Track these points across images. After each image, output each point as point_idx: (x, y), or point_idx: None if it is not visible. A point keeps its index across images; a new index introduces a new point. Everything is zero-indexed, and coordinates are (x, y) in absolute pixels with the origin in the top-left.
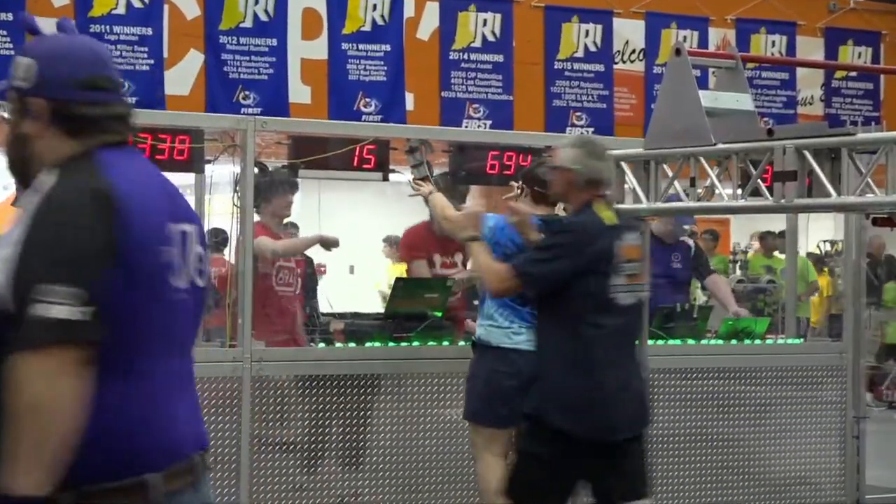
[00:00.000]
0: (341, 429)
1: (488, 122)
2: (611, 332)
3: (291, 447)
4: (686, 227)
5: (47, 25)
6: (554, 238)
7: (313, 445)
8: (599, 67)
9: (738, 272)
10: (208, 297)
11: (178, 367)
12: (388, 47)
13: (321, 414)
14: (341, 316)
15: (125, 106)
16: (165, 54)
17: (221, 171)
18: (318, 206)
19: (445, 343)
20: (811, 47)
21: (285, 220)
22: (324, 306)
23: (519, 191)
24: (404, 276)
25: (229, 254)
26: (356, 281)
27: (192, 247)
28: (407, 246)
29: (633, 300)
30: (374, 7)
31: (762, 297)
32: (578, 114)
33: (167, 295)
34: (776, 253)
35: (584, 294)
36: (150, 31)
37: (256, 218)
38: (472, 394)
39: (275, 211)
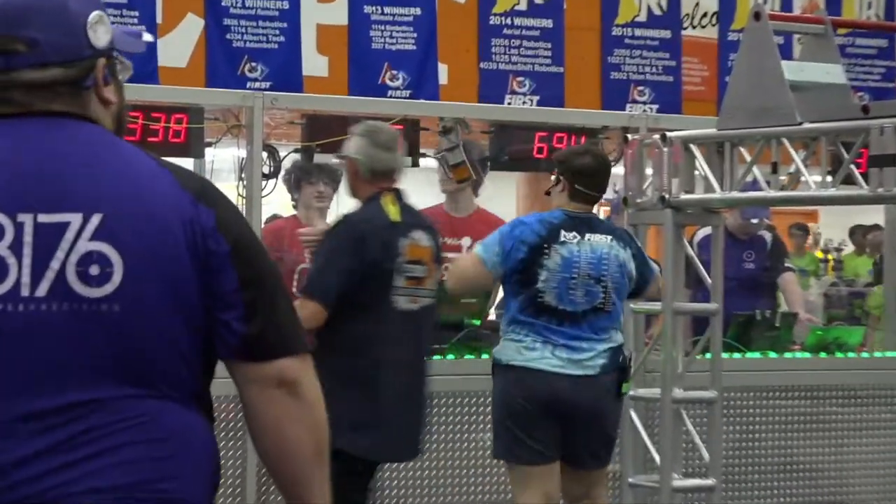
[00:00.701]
0: None
1: (535, 99)
2: (390, 342)
3: None
4: (755, 220)
5: None
6: (328, 240)
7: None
8: (665, 34)
9: (832, 273)
10: (128, 309)
11: (32, 408)
12: (417, 11)
13: None
14: None
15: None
16: (159, 19)
17: (224, 156)
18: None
19: (485, 356)
20: None
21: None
22: None
23: (556, 181)
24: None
25: None
26: None
27: (74, 244)
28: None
29: (415, 306)
30: None
31: (859, 302)
32: (640, 88)
33: None
34: (868, 250)
35: (360, 297)
36: None
37: (292, 212)
38: (494, 424)
39: (304, 202)
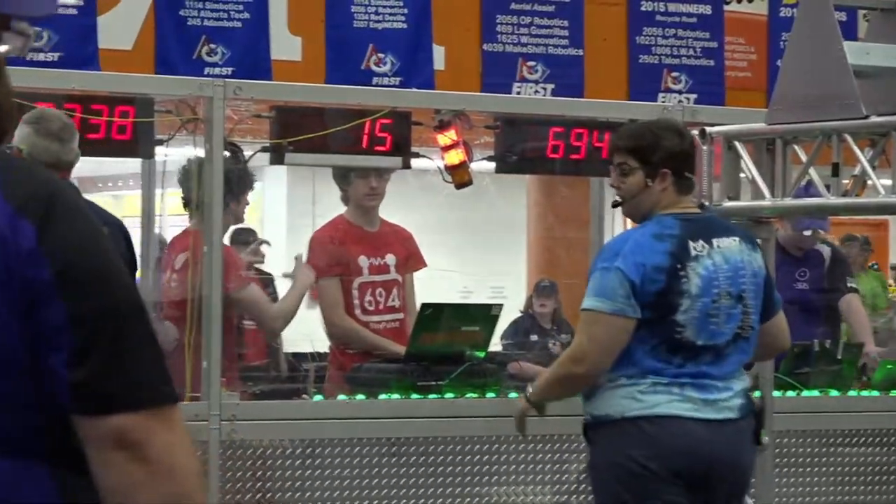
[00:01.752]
0: None
1: (549, 87)
2: None
3: None
4: (808, 232)
5: None
6: None
7: None
8: (705, 9)
9: None
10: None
11: None
12: None
13: (317, 493)
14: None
15: None
16: None
17: (178, 156)
18: (311, 202)
19: (490, 395)
20: None
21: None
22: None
23: (655, 181)
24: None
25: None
26: None
27: None
28: (313, 259)
29: None
30: None
31: None
32: (675, 74)
33: None
34: None
35: None
36: None
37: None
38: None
39: (235, 216)
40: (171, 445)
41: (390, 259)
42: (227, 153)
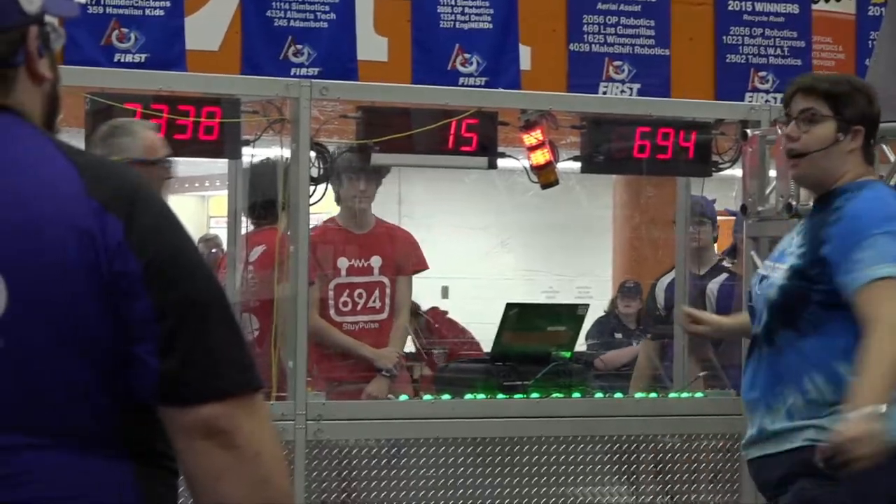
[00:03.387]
0: None
1: (636, 87)
2: None
3: None
4: None
5: None
6: None
7: None
8: (792, 8)
9: None
10: (12, 343)
11: None
12: None
13: (402, 492)
14: (430, 356)
15: None
16: None
17: (265, 157)
18: (397, 202)
19: (576, 395)
20: None
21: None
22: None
23: (847, 136)
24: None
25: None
26: (451, 307)
27: None
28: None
29: None
30: None
31: None
32: (762, 74)
33: None
34: None
35: None
36: None
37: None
38: None
39: (345, 201)
40: (257, 432)
41: (375, 261)
42: (314, 154)
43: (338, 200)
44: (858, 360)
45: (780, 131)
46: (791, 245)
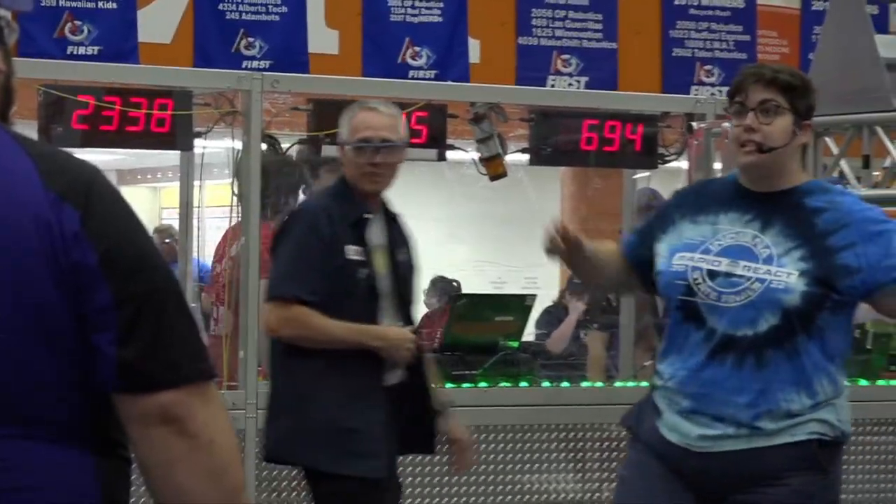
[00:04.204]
0: None
1: (583, 80)
2: None
3: None
4: None
5: None
6: None
7: None
8: (738, 3)
9: None
10: None
11: None
12: None
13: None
14: None
15: None
16: None
17: (217, 148)
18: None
19: (523, 384)
20: None
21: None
22: None
23: (800, 132)
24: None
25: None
26: None
27: None
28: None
29: None
30: None
31: None
32: (708, 67)
33: None
34: None
35: None
36: None
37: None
38: None
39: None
40: (211, 420)
41: None
42: (264, 146)
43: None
44: None
45: (727, 124)
46: (760, 245)
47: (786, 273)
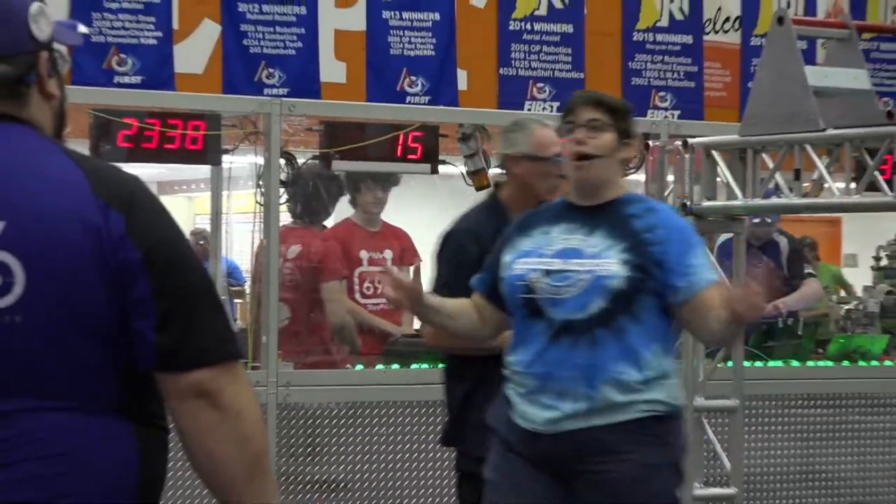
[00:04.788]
0: (383, 465)
1: (555, 105)
2: None
3: (325, 486)
4: (756, 220)
5: None
6: None
7: (350, 484)
8: (687, 39)
9: (886, 282)
10: (29, 320)
11: None
12: (436, 16)
13: (359, 447)
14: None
15: None
16: (175, 25)
17: (242, 163)
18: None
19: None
20: None
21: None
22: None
23: (622, 147)
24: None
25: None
26: None
27: None
28: (321, 263)
29: None
30: None
31: None
32: (662, 94)
33: None
34: None
35: None
36: None
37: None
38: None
39: (362, 205)
40: (238, 394)
41: (388, 253)
42: (283, 161)
43: (354, 205)
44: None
45: (678, 142)
46: (588, 245)
47: (610, 262)
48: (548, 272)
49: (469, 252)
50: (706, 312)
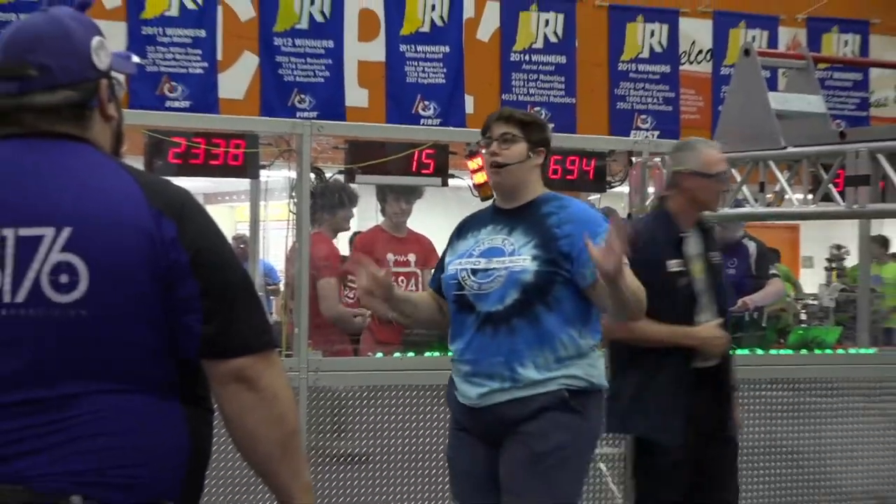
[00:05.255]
0: (401, 440)
1: (550, 126)
2: None
3: (350, 459)
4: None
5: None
6: None
7: (372, 457)
8: (665, 69)
9: (837, 280)
10: (93, 314)
11: (9, 400)
12: (447, 49)
13: (380, 425)
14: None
15: (9, 98)
16: (219, 57)
17: (277, 177)
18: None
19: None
20: (886, 46)
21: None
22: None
23: (533, 156)
24: None
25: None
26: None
27: (48, 255)
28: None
29: None
30: (433, 7)
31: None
32: (643, 117)
33: None
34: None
35: None
36: (203, 34)
37: (315, 228)
38: (580, 468)
39: (337, 224)
40: (274, 379)
41: (411, 257)
42: (313, 175)
43: (383, 213)
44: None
45: (658, 159)
46: (507, 244)
47: (523, 259)
48: (474, 271)
49: (651, 254)
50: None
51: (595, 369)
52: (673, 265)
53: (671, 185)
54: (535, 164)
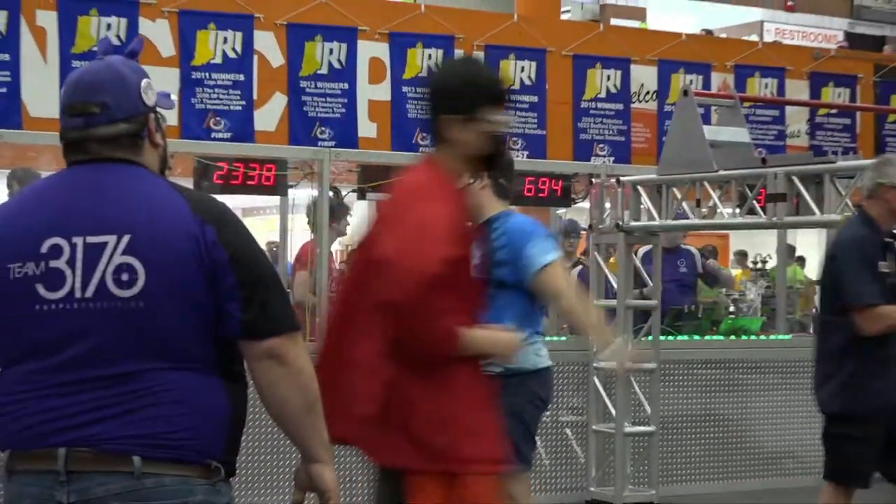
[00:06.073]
0: None
1: (525, 153)
2: None
3: None
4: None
5: (154, 74)
6: None
7: None
8: (619, 106)
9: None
10: (150, 305)
11: (64, 375)
12: None
13: None
14: None
15: (77, 130)
16: (255, 96)
17: (302, 195)
18: None
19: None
20: (798, 88)
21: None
22: None
23: (476, 180)
24: None
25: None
26: None
27: (111, 258)
28: (300, 258)
29: None
30: (430, 56)
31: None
32: (601, 145)
33: (33, 306)
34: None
35: None
36: (242, 77)
37: (311, 237)
38: (521, 437)
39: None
40: (299, 355)
41: None
42: (331, 193)
43: None
44: (574, 316)
45: (613, 180)
46: (473, 257)
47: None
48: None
49: (870, 253)
50: (546, 290)
51: (534, 357)
52: (882, 266)
53: (872, 195)
54: (482, 187)
